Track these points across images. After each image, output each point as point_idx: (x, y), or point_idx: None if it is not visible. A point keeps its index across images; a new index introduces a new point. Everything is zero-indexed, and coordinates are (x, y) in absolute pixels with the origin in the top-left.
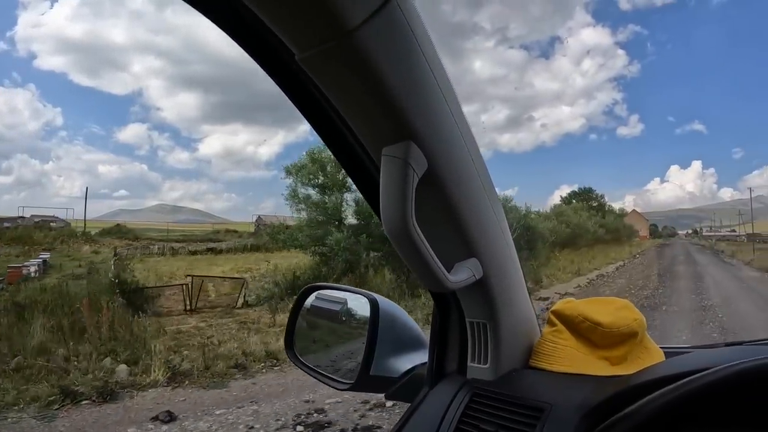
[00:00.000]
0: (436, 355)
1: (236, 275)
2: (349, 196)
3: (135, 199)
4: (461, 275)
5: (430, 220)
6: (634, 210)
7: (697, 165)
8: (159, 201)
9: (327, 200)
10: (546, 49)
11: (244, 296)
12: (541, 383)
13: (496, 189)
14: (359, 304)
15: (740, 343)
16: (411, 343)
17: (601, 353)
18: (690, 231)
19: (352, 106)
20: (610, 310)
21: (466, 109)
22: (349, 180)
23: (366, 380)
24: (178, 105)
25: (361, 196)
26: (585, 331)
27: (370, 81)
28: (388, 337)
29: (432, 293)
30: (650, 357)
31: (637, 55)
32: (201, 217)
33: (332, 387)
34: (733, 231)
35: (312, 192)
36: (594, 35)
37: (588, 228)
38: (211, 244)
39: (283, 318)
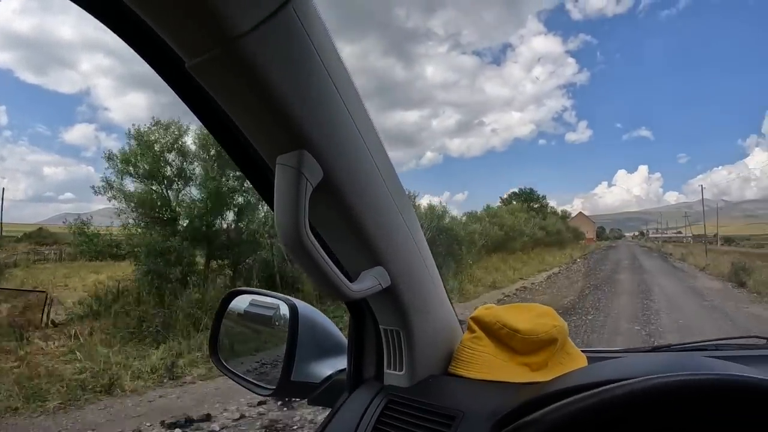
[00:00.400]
0: (354, 361)
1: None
2: (194, 191)
3: (81, 202)
4: (365, 284)
5: (331, 229)
6: (580, 213)
7: (643, 169)
8: (106, 205)
9: (149, 192)
10: (498, 56)
11: (47, 314)
12: (457, 390)
13: (446, 192)
14: None
15: (668, 347)
16: (332, 349)
17: (521, 359)
18: (637, 233)
19: (243, 114)
20: (529, 317)
21: (417, 113)
22: (195, 170)
23: (287, 386)
24: (127, 105)
25: (198, 192)
26: (504, 338)
27: (258, 89)
28: (309, 343)
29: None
30: (572, 362)
31: (586, 64)
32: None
33: (254, 393)
34: (679, 233)
35: (139, 184)
36: (545, 43)
37: (524, 230)
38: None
39: (57, 347)
